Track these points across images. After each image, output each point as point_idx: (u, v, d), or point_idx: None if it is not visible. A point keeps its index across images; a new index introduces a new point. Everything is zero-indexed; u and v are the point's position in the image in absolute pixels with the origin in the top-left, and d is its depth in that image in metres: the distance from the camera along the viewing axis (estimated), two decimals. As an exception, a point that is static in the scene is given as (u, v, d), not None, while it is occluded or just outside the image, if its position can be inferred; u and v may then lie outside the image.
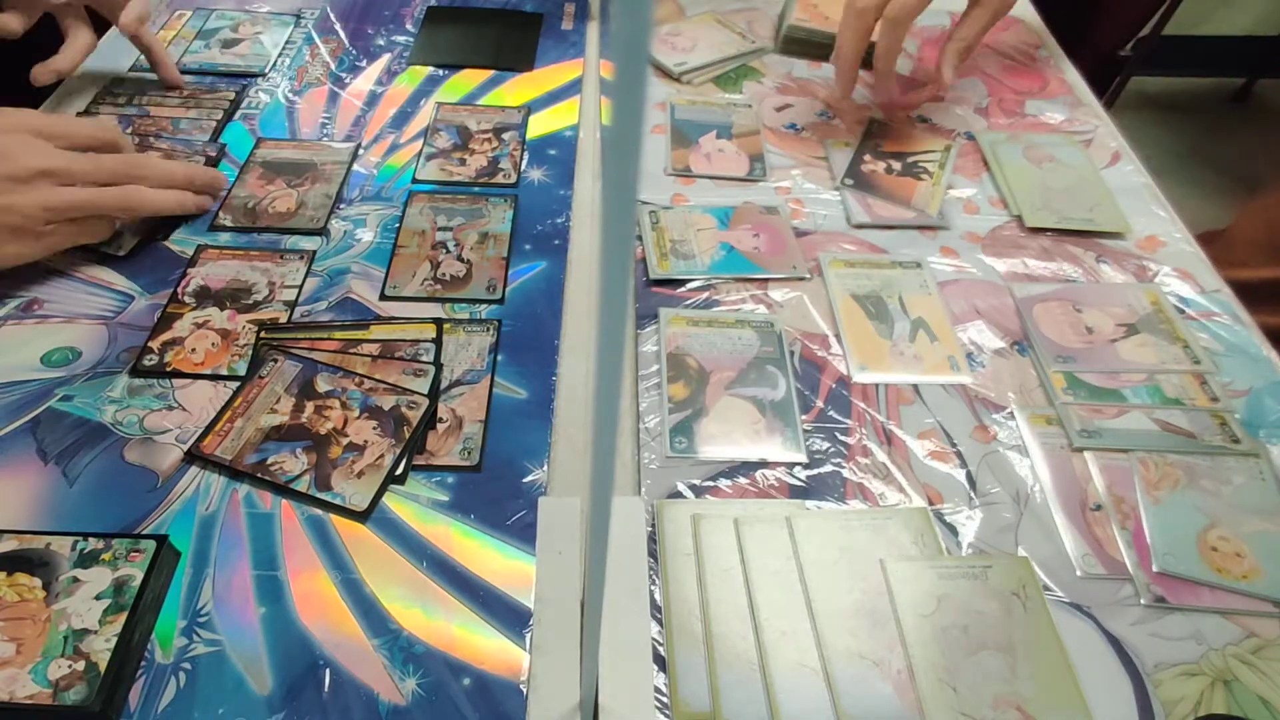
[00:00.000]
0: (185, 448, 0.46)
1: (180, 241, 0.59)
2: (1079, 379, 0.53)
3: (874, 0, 0.63)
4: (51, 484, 0.45)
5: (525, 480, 0.47)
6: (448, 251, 0.59)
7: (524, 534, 0.44)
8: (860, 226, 0.64)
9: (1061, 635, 0.41)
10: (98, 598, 0.39)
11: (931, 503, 0.47)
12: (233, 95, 0.71)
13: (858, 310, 0.57)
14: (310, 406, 0.48)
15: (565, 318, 0.56)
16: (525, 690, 0.39)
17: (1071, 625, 0.42)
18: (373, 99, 0.72)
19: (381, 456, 0.46)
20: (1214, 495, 0.47)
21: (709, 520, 0.45)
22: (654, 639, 0.41)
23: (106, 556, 0.41)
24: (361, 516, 0.44)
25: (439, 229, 0.61)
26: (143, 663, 0.39)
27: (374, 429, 0.47)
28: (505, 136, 0.69)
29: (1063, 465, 0.49)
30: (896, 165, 0.68)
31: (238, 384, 0.49)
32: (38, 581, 0.40)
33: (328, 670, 0.39)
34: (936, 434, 0.50)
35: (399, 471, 0.46)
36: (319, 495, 0.45)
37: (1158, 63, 2.06)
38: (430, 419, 0.48)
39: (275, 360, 0.49)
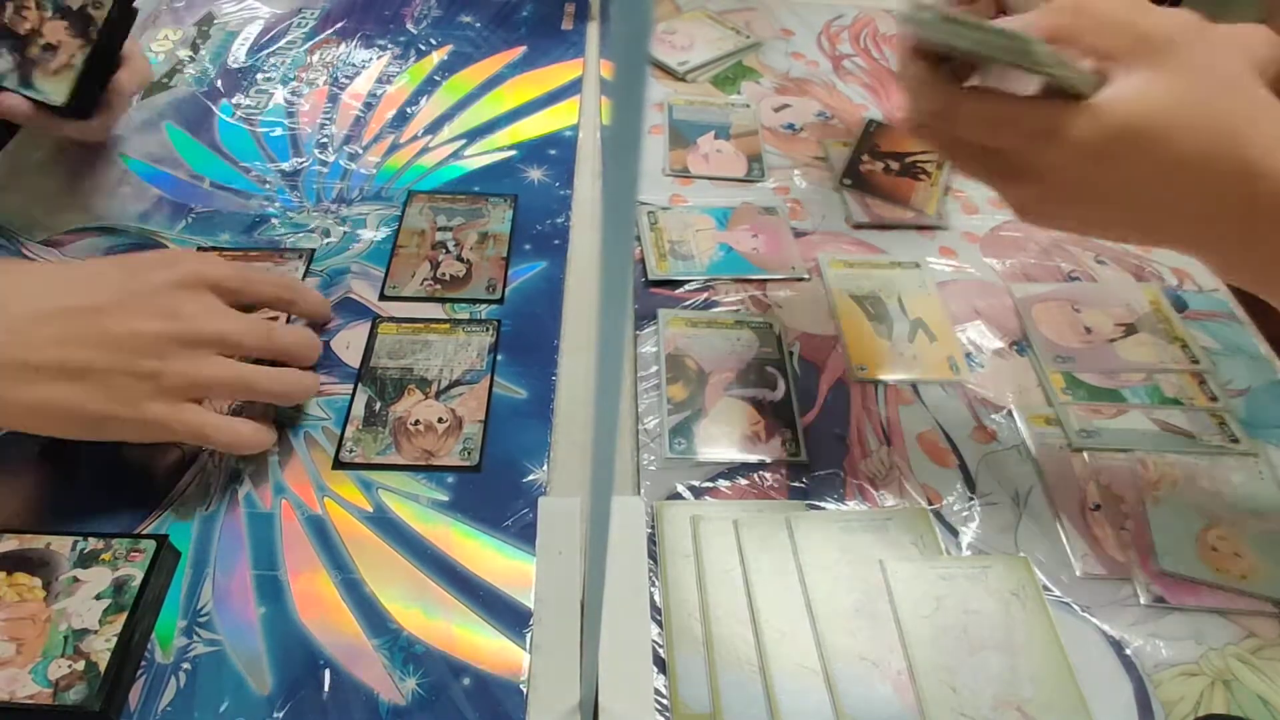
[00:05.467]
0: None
1: (179, 242, 0.59)
2: (1078, 379, 0.53)
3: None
4: (51, 484, 0.45)
5: (525, 480, 0.47)
6: (447, 251, 0.59)
7: (524, 534, 0.45)
8: (859, 227, 0.64)
9: (1061, 635, 0.41)
10: (98, 598, 0.39)
11: (931, 503, 0.47)
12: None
13: (857, 311, 0.57)
14: (10, 8, 0.55)
15: (565, 318, 0.56)
16: (525, 690, 0.39)
17: (1071, 625, 0.42)
18: (373, 99, 0.72)
19: (73, 56, 0.55)
20: (1213, 495, 0.47)
21: (708, 522, 0.45)
22: (654, 641, 0.41)
23: (106, 556, 0.40)
24: (64, 111, 0.55)
25: (438, 229, 0.61)
26: (143, 663, 0.39)
27: (65, 29, 0.55)
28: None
29: (1062, 465, 0.49)
30: (895, 165, 0.68)
31: None
32: (38, 581, 0.40)
33: (328, 670, 0.39)
34: (936, 434, 0.50)
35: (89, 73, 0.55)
36: (24, 91, 0.54)
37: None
38: (123, 20, 0.56)
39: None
